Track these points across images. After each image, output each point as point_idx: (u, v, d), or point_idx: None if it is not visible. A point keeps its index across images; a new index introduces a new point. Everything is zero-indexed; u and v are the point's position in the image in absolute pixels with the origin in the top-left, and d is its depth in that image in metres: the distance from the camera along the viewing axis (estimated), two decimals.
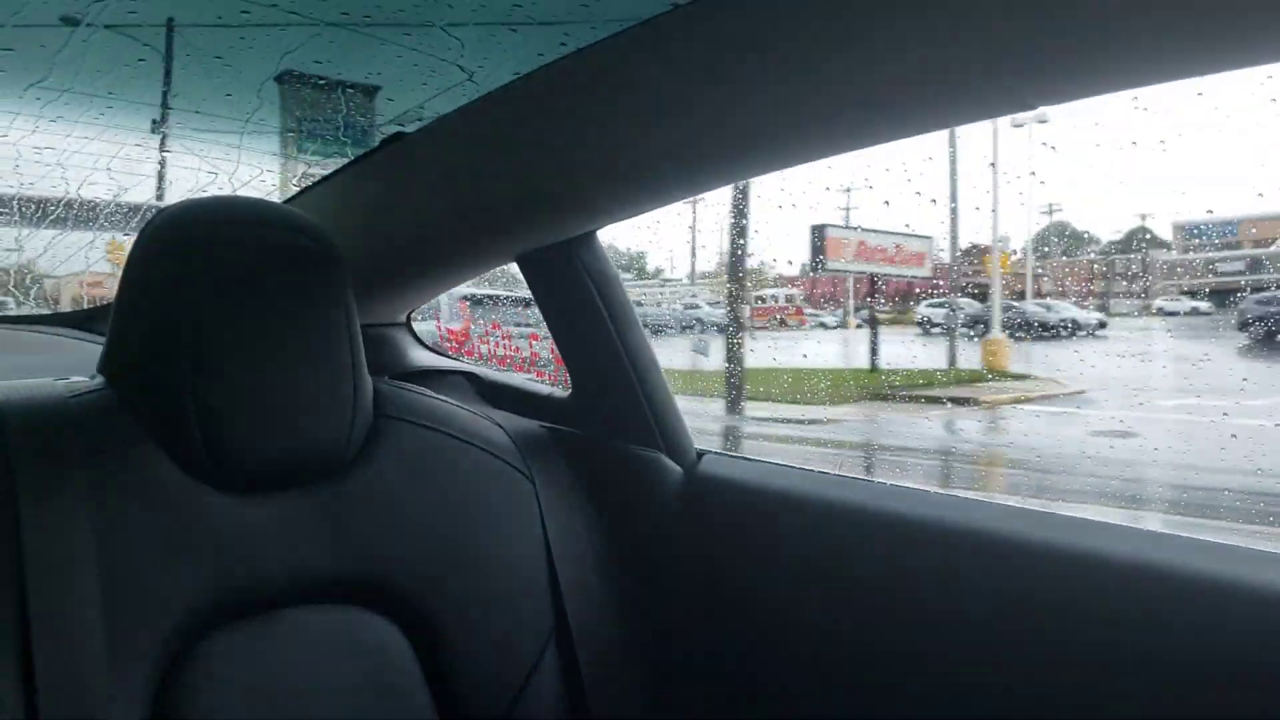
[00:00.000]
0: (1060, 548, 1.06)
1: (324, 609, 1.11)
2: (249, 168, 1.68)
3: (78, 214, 2.15)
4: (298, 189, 1.67)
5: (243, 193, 1.74)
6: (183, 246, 1.08)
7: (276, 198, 1.72)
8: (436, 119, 1.34)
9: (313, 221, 1.16)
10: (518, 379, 1.86)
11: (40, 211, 2.18)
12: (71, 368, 1.23)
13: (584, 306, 1.50)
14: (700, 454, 1.52)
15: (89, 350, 1.91)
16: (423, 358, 1.95)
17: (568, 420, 1.57)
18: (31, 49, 1.22)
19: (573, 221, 1.43)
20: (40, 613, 0.93)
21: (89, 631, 0.95)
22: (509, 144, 1.31)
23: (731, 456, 1.50)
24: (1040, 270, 4.98)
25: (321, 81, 1.30)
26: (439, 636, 1.16)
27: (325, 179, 1.60)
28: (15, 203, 2.12)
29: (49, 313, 2.43)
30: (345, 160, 1.53)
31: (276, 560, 1.09)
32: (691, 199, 1.33)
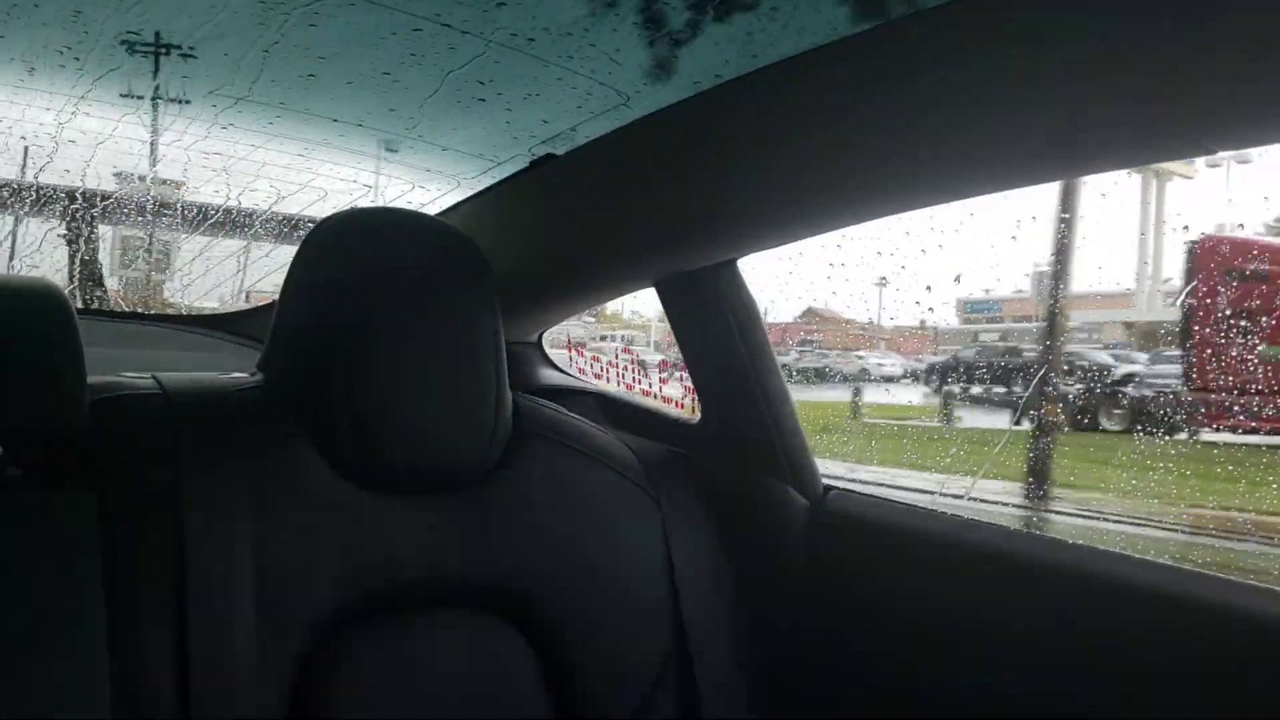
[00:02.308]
0: (1212, 605, 1.01)
1: (455, 613, 1.13)
2: (402, 182, 1.73)
3: (235, 219, 2.25)
4: (447, 204, 1.72)
5: (395, 205, 1.79)
6: (345, 255, 1.13)
7: (427, 212, 1.77)
8: (588, 141, 1.36)
9: (467, 236, 1.19)
10: (646, 402, 1.87)
11: (200, 216, 2.29)
12: (217, 365, 1.29)
13: (720, 334, 1.50)
14: (827, 489, 1.51)
15: (236, 350, 2.01)
16: (553, 377, 1.98)
17: (695, 446, 1.56)
18: (215, 56, 1.28)
19: (715, 249, 1.44)
20: (197, 597, 0.97)
21: (241, 620, 0.98)
22: (657, 169, 1.33)
23: (859, 494, 1.48)
24: None
25: (481, 99, 1.33)
26: (562, 648, 1.17)
27: (474, 195, 1.65)
28: (179, 206, 2.24)
29: (204, 314, 2.54)
30: (496, 178, 1.57)
31: (414, 562, 1.11)
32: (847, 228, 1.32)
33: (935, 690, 1.26)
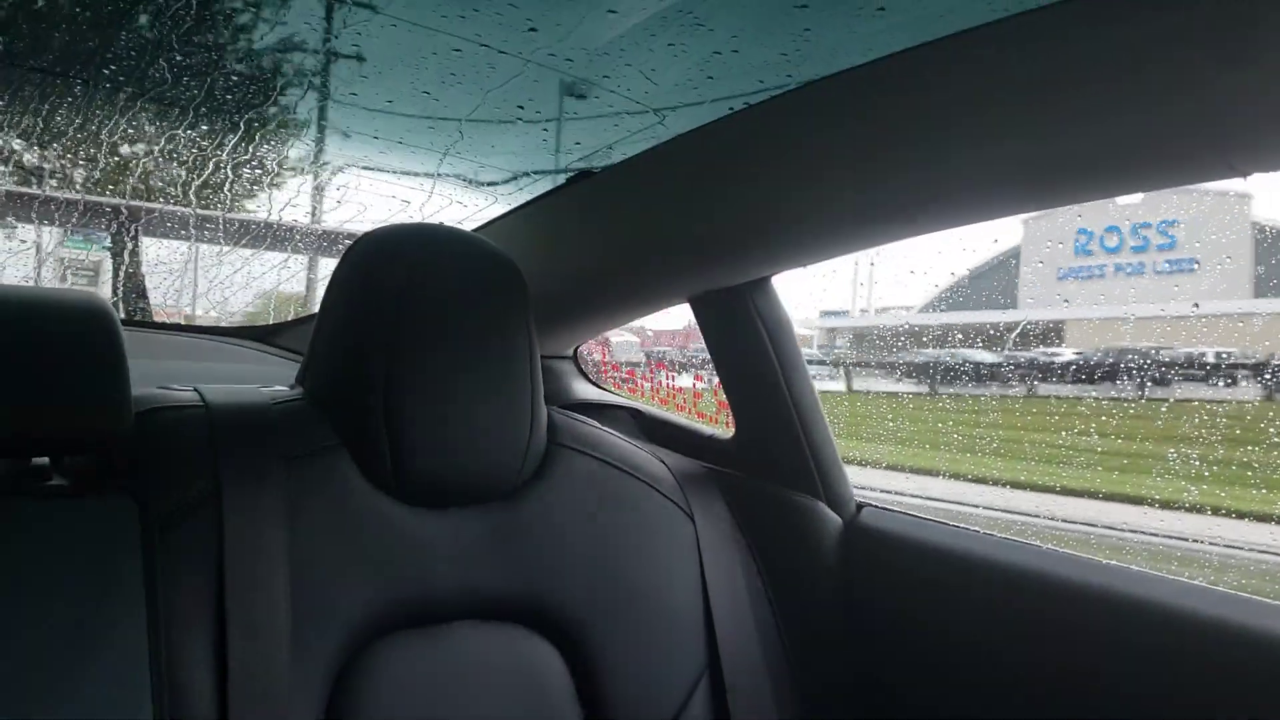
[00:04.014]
0: (1245, 629, 1.00)
1: (488, 626, 1.14)
2: (440, 198, 1.76)
3: (276, 233, 2.28)
4: (485, 219, 1.73)
5: (431, 221, 1.82)
6: (384, 270, 1.14)
7: (464, 227, 1.79)
8: (624, 159, 1.37)
9: (503, 252, 1.20)
10: (681, 418, 1.87)
11: (242, 230, 2.33)
12: (257, 377, 1.30)
13: (754, 350, 1.50)
14: (860, 505, 1.51)
15: (270, 360, 2.03)
16: (587, 391, 1.99)
17: (729, 462, 1.57)
18: (252, 76, 1.31)
19: (749, 266, 1.44)
20: (236, 605, 0.99)
21: (278, 627, 1.00)
22: (693, 187, 1.34)
23: (893, 511, 1.48)
24: None
25: (519, 117, 1.35)
26: (594, 662, 1.18)
27: (511, 211, 1.66)
28: (220, 221, 2.27)
29: (238, 325, 2.58)
30: (533, 195, 1.59)
31: (448, 574, 1.12)
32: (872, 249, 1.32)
33: (967, 712, 1.26)
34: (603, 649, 1.18)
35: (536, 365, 1.20)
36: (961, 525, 1.38)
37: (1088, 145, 0.92)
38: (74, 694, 0.89)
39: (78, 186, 2.23)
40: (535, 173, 1.52)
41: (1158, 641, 1.06)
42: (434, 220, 1.82)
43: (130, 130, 1.70)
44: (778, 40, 1.02)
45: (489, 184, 1.64)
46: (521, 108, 1.30)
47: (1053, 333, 3.60)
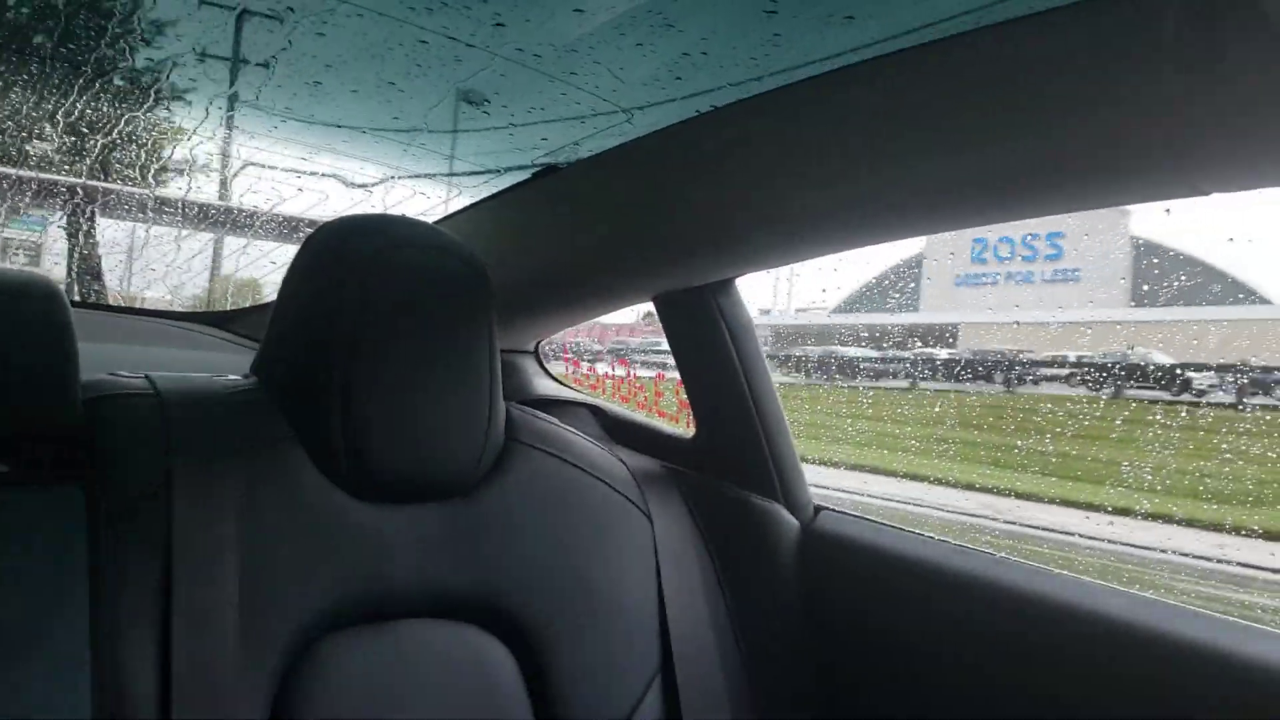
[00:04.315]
0: (1202, 646, 1.02)
1: (441, 624, 1.13)
2: (403, 189, 1.74)
3: (236, 219, 2.25)
4: (447, 212, 1.72)
5: (393, 212, 1.80)
6: (345, 259, 1.12)
7: (425, 219, 1.78)
8: (590, 156, 1.37)
9: (466, 245, 1.19)
10: (641, 416, 1.87)
11: (201, 214, 2.29)
12: (211, 364, 1.28)
13: (717, 352, 1.50)
14: (818, 509, 1.51)
15: (224, 346, 2.01)
16: (548, 387, 1.98)
17: (688, 462, 1.57)
18: (218, 60, 1.29)
19: (714, 267, 1.44)
20: (182, 599, 0.97)
21: (225, 623, 0.98)
22: (659, 186, 1.33)
23: (850, 515, 1.48)
24: None
25: (485, 111, 1.33)
26: (547, 662, 1.17)
27: (474, 204, 1.65)
28: (180, 205, 2.24)
29: (193, 311, 2.55)
30: (496, 188, 1.58)
31: (402, 571, 1.11)
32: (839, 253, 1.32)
33: (922, 711, 1.27)
34: (556, 649, 1.18)
35: (496, 360, 1.19)
36: (918, 531, 1.39)
37: (1054, 159, 0.92)
38: (11, 689, 0.87)
39: (32, 164, 2.19)
40: (500, 166, 1.51)
41: (1108, 652, 1.07)
42: (396, 211, 1.81)
43: (89, 111, 1.67)
44: (747, 44, 1.01)
45: (453, 176, 1.62)
46: (487, 100, 1.29)
47: (949, 334, 3.82)
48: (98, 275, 2.50)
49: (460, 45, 1.13)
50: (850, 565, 1.40)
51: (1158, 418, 2.26)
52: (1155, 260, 2.72)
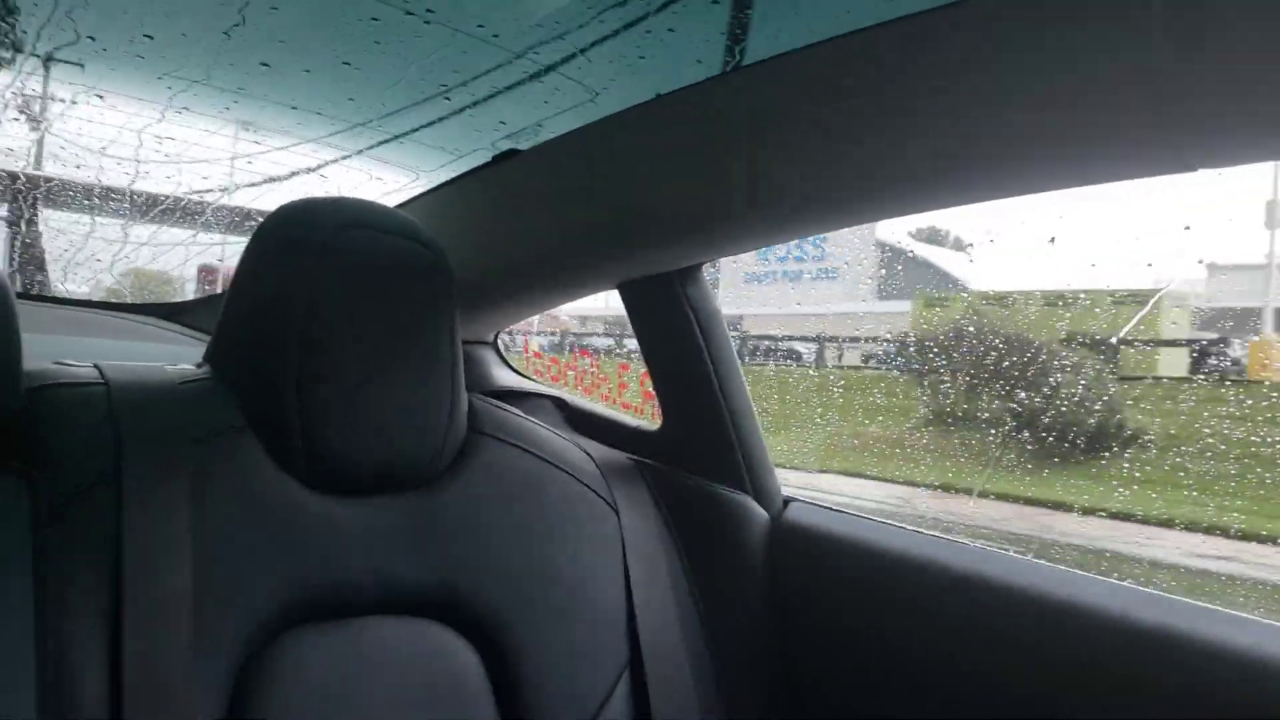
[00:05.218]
0: (1176, 633, 1.01)
1: (401, 620, 1.09)
2: (359, 172, 1.70)
3: (186, 208, 2.19)
4: (405, 196, 1.68)
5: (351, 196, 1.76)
6: (296, 245, 1.08)
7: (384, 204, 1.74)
8: (553, 138, 1.33)
9: (425, 230, 1.15)
10: (605, 408, 1.84)
11: (150, 203, 2.23)
12: (163, 356, 1.24)
13: (683, 340, 1.47)
14: (787, 500, 1.49)
15: (175, 339, 1.95)
16: (509, 378, 1.94)
17: (655, 454, 1.54)
18: (172, 37, 1.24)
19: (680, 253, 1.41)
20: (134, 595, 0.93)
21: (178, 618, 0.94)
22: (623, 169, 1.30)
23: (820, 506, 1.46)
24: None
25: (444, 91, 1.30)
26: (512, 659, 1.14)
27: (433, 189, 1.61)
28: (128, 193, 2.17)
29: (141, 302, 2.48)
30: (456, 172, 1.54)
31: (360, 565, 1.07)
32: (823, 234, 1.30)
33: (892, 705, 1.25)
34: (521, 645, 1.14)
35: (458, 349, 1.15)
36: (890, 522, 1.37)
37: (1043, 136, 0.90)
38: None
39: None
40: (460, 149, 1.47)
41: (1084, 644, 1.06)
42: (354, 196, 1.76)
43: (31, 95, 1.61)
44: (714, 23, 0.99)
45: (411, 160, 1.58)
46: (446, 75, 1.25)
47: (736, 325, 4.36)
48: (41, 265, 2.43)
49: (418, 21, 1.09)
50: (820, 556, 1.38)
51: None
52: (888, 258, 3.50)
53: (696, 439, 1.51)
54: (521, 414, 1.33)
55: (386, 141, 1.53)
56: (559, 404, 1.79)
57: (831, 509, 1.44)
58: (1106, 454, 2.66)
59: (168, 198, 2.21)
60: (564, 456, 1.29)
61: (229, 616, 0.98)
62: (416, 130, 1.46)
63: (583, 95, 1.21)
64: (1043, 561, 1.20)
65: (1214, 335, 2.73)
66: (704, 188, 1.22)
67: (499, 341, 2.00)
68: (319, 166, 1.72)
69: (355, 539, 1.08)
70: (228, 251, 2.52)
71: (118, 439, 0.99)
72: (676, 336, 1.48)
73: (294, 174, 1.80)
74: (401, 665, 1.07)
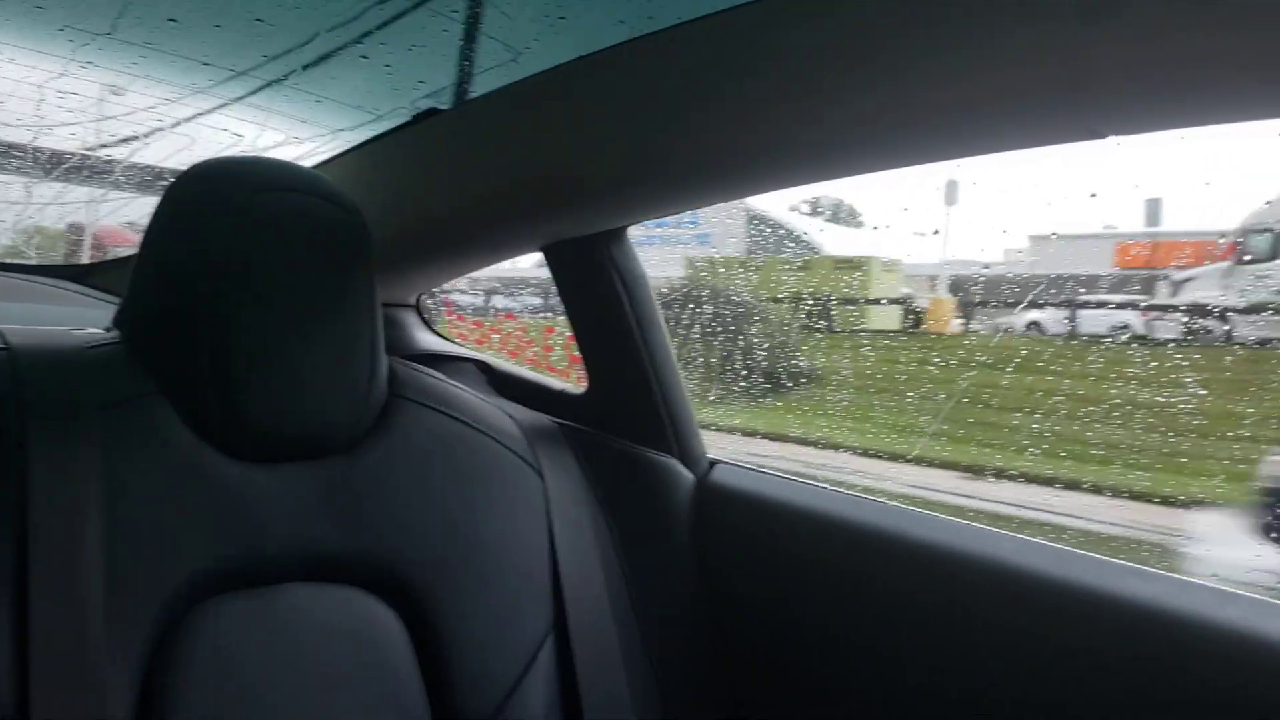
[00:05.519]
0: (1078, 587, 1.04)
1: (323, 587, 1.08)
2: (276, 132, 1.65)
3: (92, 166, 2.12)
4: (323, 157, 1.64)
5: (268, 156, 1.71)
6: (210, 205, 1.05)
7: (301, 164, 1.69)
8: (474, 98, 1.31)
9: (343, 191, 1.13)
10: (529, 372, 1.83)
11: (54, 161, 2.14)
12: (62, 319, 1.20)
13: (608, 303, 1.47)
14: (713, 463, 1.50)
15: (82, 301, 1.89)
16: (431, 342, 1.92)
17: (580, 417, 1.53)
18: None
19: (605, 215, 1.40)
20: (41, 569, 0.90)
21: (89, 591, 0.91)
22: (547, 130, 1.28)
23: (745, 468, 1.47)
24: None
25: (361, 49, 1.26)
26: (436, 624, 1.13)
27: (352, 149, 1.57)
28: (30, 150, 2.09)
29: (48, 264, 2.39)
30: (375, 132, 1.50)
31: (279, 533, 1.06)
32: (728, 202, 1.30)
33: (815, 663, 1.27)
34: (444, 611, 1.13)
35: (377, 313, 1.13)
36: (814, 483, 1.39)
37: (947, 104, 0.90)
38: None
39: None
40: (378, 109, 1.44)
41: (1021, 605, 1.08)
42: (269, 156, 1.72)
43: None
44: None
45: (329, 119, 1.54)
46: (362, 43, 1.21)
47: None
48: None
49: None
50: (745, 518, 1.39)
51: None
52: (761, 227, 3.93)
53: (622, 402, 1.51)
54: (444, 378, 1.31)
55: (303, 100, 1.49)
56: (483, 367, 1.78)
57: (757, 470, 1.46)
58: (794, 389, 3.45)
59: (72, 155, 2.13)
60: (487, 420, 1.28)
61: (142, 588, 0.96)
62: (334, 89, 1.42)
63: (504, 55, 1.18)
64: (965, 521, 1.22)
65: (907, 292, 3.48)
66: (627, 150, 1.21)
67: (421, 304, 1.98)
68: (234, 127, 1.67)
69: (275, 506, 1.06)
70: (136, 212, 2.43)
71: (21, 406, 0.96)
72: (601, 300, 1.47)
73: (197, 124, 1.74)
74: (323, 632, 1.06)
